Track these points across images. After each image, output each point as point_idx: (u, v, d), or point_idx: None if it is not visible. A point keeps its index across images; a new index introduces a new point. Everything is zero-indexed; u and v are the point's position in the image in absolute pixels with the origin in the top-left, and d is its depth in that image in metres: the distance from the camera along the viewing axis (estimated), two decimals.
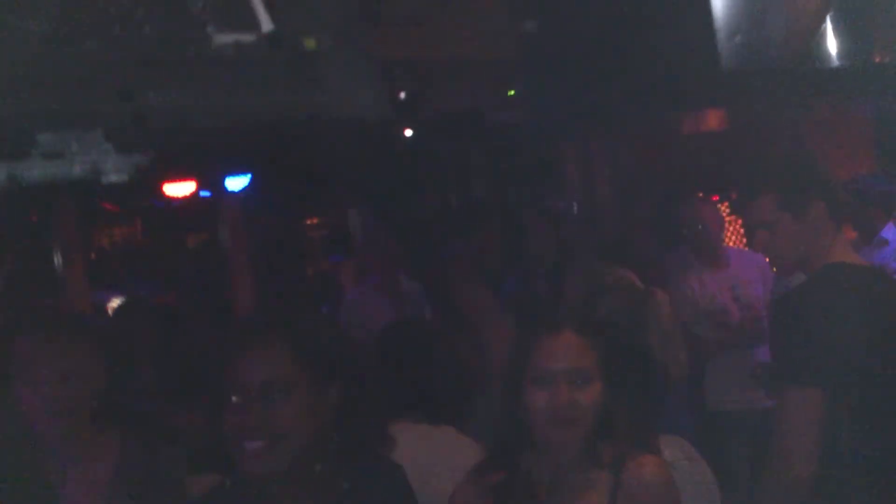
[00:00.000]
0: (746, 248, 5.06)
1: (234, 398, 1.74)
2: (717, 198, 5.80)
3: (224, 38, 1.41)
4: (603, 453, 2.03)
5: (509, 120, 5.50)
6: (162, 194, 6.36)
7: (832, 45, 2.63)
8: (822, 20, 2.51)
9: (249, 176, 5.91)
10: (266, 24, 1.45)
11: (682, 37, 2.21)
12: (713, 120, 5.55)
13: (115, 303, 5.48)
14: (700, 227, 4.66)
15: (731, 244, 5.89)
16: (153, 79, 1.52)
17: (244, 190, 6.05)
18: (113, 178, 1.49)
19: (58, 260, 5.80)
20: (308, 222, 9.36)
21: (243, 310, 6.18)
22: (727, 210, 5.87)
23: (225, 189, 6.05)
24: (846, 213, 2.80)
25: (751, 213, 2.76)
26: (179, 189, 6.20)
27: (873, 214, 5.10)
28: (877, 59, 2.62)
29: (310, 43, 1.53)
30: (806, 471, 2.45)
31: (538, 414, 2.02)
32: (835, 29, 2.59)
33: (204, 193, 6.36)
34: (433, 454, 2.47)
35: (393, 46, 3.39)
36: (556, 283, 4.58)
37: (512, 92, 4.94)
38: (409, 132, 6.71)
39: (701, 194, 5.34)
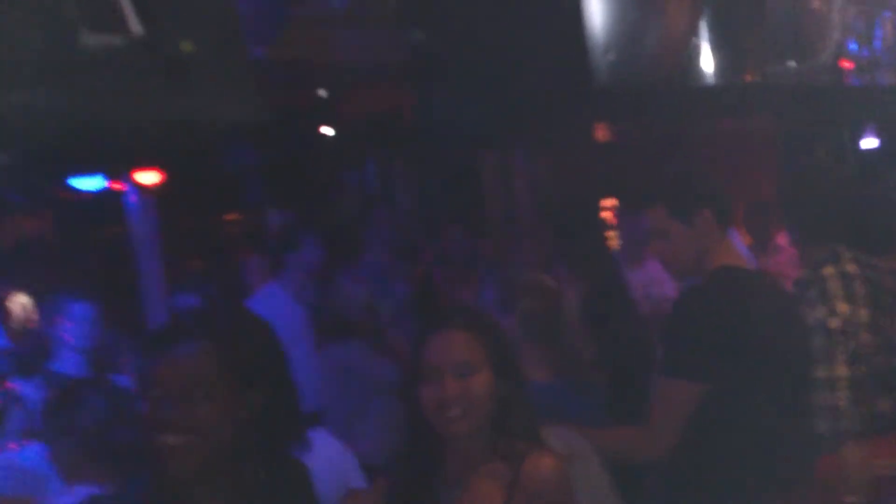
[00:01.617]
0: None
1: (154, 394, 1.77)
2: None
3: (93, 41, 1.42)
4: (502, 447, 2.10)
5: (427, 126, 5.53)
6: (70, 187, 6.23)
7: (706, 64, 2.77)
8: (689, 41, 2.63)
9: (161, 171, 5.85)
10: (136, 28, 1.47)
11: (558, 53, 2.29)
12: (604, 133, 5.69)
13: (16, 298, 5.34)
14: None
15: None
16: (28, 79, 1.51)
17: (157, 184, 5.98)
18: None
19: None
20: (226, 218, 9.29)
21: (153, 305, 6.10)
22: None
23: (136, 183, 5.97)
24: (732, 218, 2.96)
25: (646, 222, 2.92)
26: (88, 182, 6.08)
27: (769, 223, 5.33)
28: (747, 79, 2.76)
29: (186, 46, 1.55)
30: (665, 448, 2.65)
31: (431, 409, 2.09)
32: (708, 50, 2.72)
33: (115, 187, 6.26)
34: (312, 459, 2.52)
35: (305, 49, 3.41)
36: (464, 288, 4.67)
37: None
38: (328, 134, 6.71)
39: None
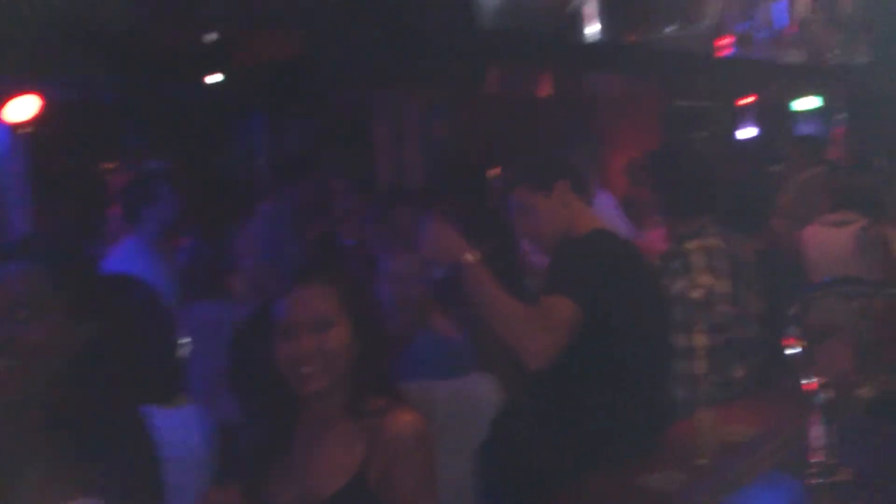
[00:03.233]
0: None
1: None
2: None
3: None
4: (359, 405, 2.07)
5: (315, 71, 5.34)
6: None
7: (592, 21, 2.78)
8: None
9: (35, 105, 5.51)
10: None
11: None
12: (492, 84, 5.54)
13: None
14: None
15: None
16: None
17: (28, 122, 5.64)
18: None
19: None
20: (104, 166, 8.90)
21: None
22: None
23: (5, 120, 5.61)
24: (590, 189, 3.03)
25: (512, 204, 2.98)
26: None
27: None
28: (631, 38, 2.79)
29: None
30: (544, 355, 2.68)
31: (286, 367, 2.05)
32: (593, 5, 2.73)
33: None
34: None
35: None
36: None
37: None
38: (215, 80, 6.48)
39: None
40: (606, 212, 4.87)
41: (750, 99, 6.51)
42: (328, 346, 2.04)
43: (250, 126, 7.22)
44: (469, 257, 2.75)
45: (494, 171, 5.22)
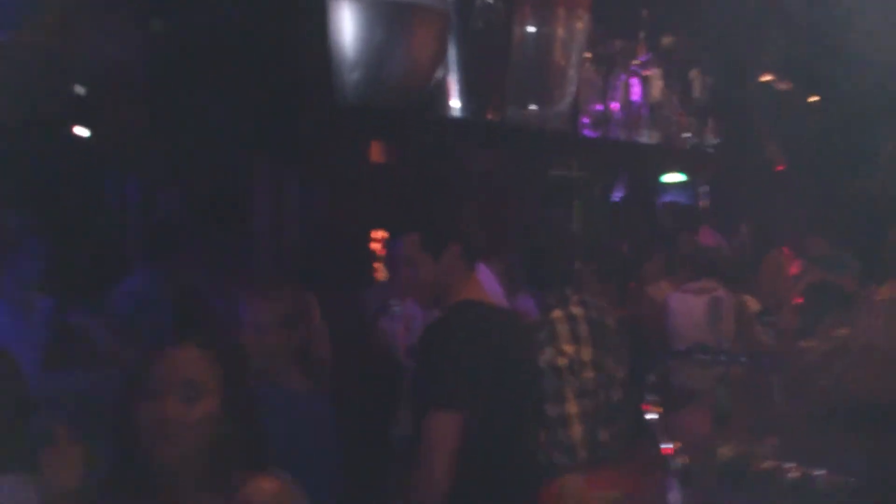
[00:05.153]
0: None
1: None
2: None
3: None
4: (222, 476, 1.96)
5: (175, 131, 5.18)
6: None
7: (455, 99, 2.87)
8: (435, 71, 2.72)
9: None
10: None
11: (303, 64, 2.27)
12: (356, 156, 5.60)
13: None
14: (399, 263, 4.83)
15: None
16: None
17: None
18: None
19: None
20: None
21: None
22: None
23: None
24: (480, 255, 3.02)
25: (398, 249, 2.93)
26: None
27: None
28: (489, 116, 2.89)
29: None
30: (445, 484, 2.60)
31: (146, 429, 1.91)
32: (454, 84, 2.83)
33: None
34: None
35: (54, 38, 3.17)
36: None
37: None
38: (83, 133, 6.26)
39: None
40: (484, 280, 4.91)
41: (616, 173, 6.81)
42: (195, 414, 1.92)
43: (122, 186, 6.97)
44: None
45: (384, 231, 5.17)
